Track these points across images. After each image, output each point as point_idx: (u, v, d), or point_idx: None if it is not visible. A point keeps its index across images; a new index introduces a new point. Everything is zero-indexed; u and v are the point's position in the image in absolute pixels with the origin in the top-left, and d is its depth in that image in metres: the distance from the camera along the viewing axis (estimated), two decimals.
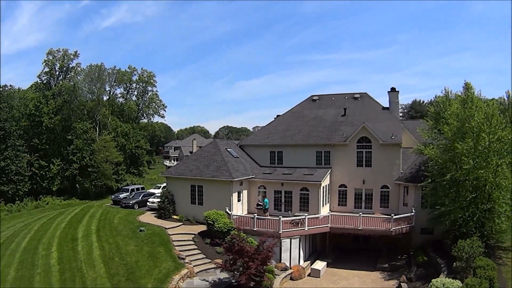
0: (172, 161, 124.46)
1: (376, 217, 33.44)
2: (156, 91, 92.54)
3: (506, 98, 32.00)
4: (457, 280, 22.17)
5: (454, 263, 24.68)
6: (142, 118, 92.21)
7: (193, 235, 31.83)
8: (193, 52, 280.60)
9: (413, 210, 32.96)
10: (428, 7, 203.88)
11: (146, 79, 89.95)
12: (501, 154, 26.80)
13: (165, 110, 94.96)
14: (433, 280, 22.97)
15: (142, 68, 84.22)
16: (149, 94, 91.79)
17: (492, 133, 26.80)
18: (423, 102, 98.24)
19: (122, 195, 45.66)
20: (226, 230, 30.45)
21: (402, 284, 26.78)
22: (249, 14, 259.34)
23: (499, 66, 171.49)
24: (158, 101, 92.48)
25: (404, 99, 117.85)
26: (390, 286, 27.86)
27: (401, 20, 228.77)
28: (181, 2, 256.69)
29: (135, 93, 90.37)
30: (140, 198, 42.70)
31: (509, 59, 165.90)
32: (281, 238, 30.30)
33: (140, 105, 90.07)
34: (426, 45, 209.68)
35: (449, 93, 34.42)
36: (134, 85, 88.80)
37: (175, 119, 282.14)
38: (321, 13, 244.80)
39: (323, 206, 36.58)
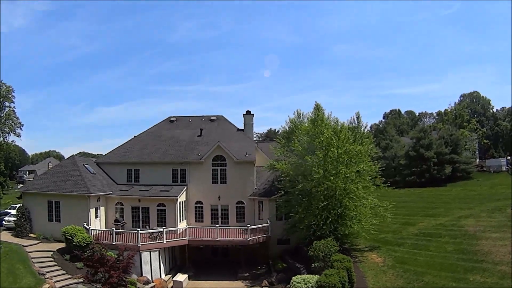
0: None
1: (233, 228, 34.29)
2: (14, 107, 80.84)
3: (355, 118, 36.83)
4: (316, 276, 23.56)
5: (313, 264, 26.09)
6: None
7: (52, 252, 29.82)
8: (55, 72, 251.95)
9: (268, 221, 34.33)
10: (288, 47, 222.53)
11: (4, 93, 77.53)
12: (348, 165, 30.06)
13: (21, 129, 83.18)
14: (293, 277, 24.24)
15: (1, 81, 71.96)
16: (6, 110, 79.20)
17: (340, 146, 29.97)
18: (278, 130, 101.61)
19: None
20: (85, 244, 29.07)
21: None
22: (116, 38, 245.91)
23: (352, 102, 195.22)
24: (15, 118, 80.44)
25: (260, 130, 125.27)
26: None
27: (261, 57, 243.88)
28: (51, 17, 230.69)
29: None
30: None
31: (359, 97, 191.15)
32: (141, 251, 29.38)
33: None
34: (285, 81, 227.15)
35: (301, 114, 37.74)
36: None
37: (29, 142, 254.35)
38: (186, 44, 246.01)
39: (180, 222, 35.92)
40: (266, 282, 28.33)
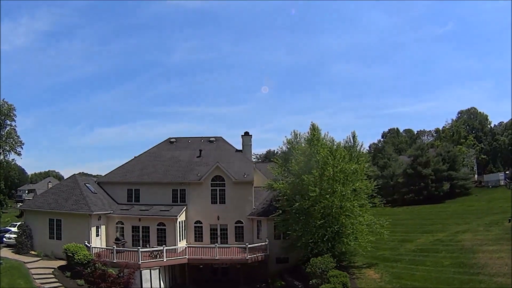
0: None
1: (232, 247, 34.87)
2: (15, 125, 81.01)
3: (351, 138, 37.52)
4: None
5: (310, 281, 26.42)
6: None
7: (53, 269, 30.14)
8: (54, 92, 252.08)
9: (266, 240, 34.71)
10: (287, 67, 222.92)
11: (6, 111, 77.61)
12: (344, 183, 30.69)
13: (22, 148, 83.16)
14: None
15: (3, 100, 72.53)
16: (7, 129, 79.21)
17: (336, 165, 30.62)
18: (277, 151, 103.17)
19: None
20: (86, 262, 29.45)
21: None
22: (116, 59, 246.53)
23: (351, 122, 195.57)
24: (15, 137, 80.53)
25: (260, 151, 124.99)
26: None
27: (260, 79, 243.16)
28: (52, 37, 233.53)
29: None
30: None
31: (357, 117, 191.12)
32: (141, 269, 29.71)
33: None
34: (284, 102, 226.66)
35: (298, 135, 38.46)
36: None
37: (29, 162, 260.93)
38: (185, 66, 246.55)
39: (180, 241, 36.16)
40: None
